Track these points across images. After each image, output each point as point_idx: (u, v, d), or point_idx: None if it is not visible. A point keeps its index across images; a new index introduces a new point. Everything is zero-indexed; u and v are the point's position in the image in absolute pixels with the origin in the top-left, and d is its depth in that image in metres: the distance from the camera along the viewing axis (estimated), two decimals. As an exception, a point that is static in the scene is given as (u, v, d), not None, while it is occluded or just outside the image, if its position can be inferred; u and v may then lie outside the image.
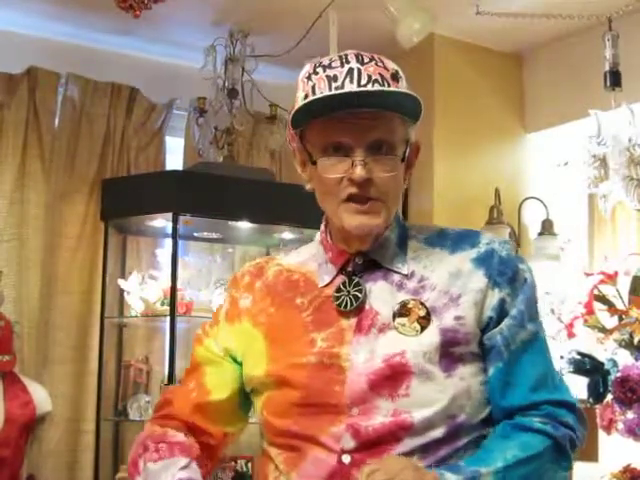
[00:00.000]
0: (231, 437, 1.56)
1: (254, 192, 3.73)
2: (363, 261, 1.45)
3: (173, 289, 3.56)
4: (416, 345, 1.36)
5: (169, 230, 3.65)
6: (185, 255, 3.90)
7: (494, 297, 1.41)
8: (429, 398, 1.34)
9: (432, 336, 1.36)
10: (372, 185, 1.39)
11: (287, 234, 4.01)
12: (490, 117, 4.11)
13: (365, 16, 3.64)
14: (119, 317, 3.86)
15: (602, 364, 3.12)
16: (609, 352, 3.14)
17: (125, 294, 3.74)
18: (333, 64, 1.40)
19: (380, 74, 1.39)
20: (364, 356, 1.37)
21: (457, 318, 1.38)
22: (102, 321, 3.74)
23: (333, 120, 1.38)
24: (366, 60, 1.40)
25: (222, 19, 3.84)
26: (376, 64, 1.40)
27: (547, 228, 3.91)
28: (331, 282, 1.46)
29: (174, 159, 4.20)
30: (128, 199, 3.73)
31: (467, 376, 1.37)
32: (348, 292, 1.42)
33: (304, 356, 1.40)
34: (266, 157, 4.32)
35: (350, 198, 1.40)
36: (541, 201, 3.96)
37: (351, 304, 1.41)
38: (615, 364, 3.07)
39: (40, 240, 3.77)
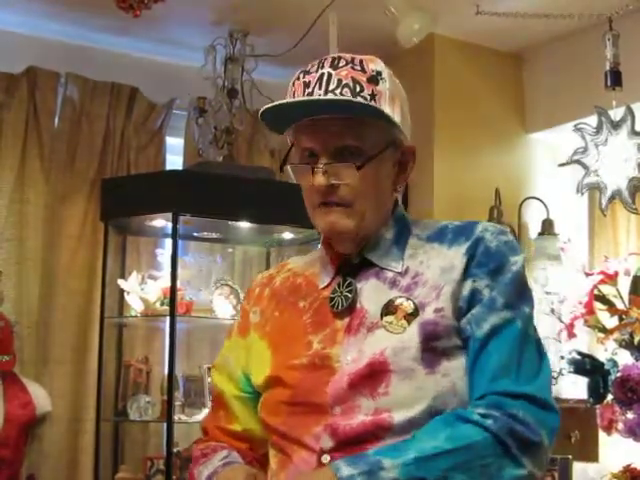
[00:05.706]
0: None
1: (254, 192, 3.72)
2: (359, 261, 1.45)
3: (173, 289, 3.56)
4: (397, 342, 1.34)
5: (169, 230, 3.64)
6: (185, 255, 3.90)
7: (466, 288, 1.36)
8: (409, 397, 1.31)
9: (413, 331, 1.34)
10: (336, 192, 1.39)
11: (287, 234, 4.01)
12: (490, 117, 4.10)
13: (365, 16, 3.63)
14: (119, 317, 3.85)
15: (602, 364, 3.13)
16: (609, 352, 3.15)
17: (125, 294, 3.73)
18: (311, 69, 1.42)
19: (353, 78, 1.38)
20: (352, 356, 1.36)
21: (437, 310, 1.35)
22: (102, 321, 3.73)
23: (303, 127, 1.41)
24: (341, 64, 1.39)
25: (222, 19, 3.84)
26: (352, 67, 1.39)
27: (547, 228, 3.91)
28: (329, 284, 1.46)
29: (174, 159, 4.20)
30: (128, 199, 3.72)
31: (452, 371, 1.33)
32: (341, 293, 1.42)
33: (299, 358, 1.41)
34: (266, 157, 4.31)
35: (320, 204, 1.41)
36: (541, 201, 3.96)
37: (342, 304, 1.41)
38: (615, 364, 3.08)
39: (40, 240, 3.77)
